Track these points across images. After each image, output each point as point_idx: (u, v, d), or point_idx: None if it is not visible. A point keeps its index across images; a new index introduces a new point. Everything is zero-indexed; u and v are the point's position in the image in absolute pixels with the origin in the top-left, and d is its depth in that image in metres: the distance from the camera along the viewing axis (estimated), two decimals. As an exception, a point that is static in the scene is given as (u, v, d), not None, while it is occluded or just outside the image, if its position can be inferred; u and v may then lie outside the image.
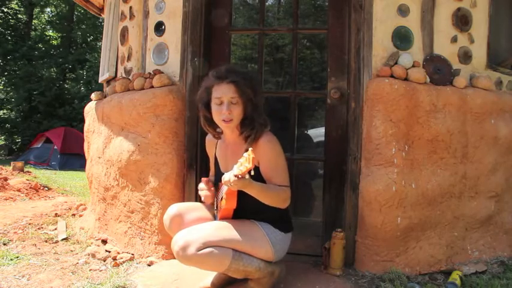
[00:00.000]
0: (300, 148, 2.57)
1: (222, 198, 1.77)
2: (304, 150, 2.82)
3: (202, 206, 1.97)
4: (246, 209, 1.77)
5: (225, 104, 1.71)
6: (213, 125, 1.86)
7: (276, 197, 1.73)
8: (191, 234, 1.64)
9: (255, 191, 1.64)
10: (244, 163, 1.49)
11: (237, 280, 1.87)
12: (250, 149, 1.49)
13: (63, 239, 2.76)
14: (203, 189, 1.86)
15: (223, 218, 1.80)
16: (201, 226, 1.72)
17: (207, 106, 1.81)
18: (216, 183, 1.94)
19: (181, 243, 1.61)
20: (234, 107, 1.72)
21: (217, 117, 1.76)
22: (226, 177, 1.58)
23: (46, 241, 2.73)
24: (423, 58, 2.30)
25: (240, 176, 1.50)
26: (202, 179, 1.92)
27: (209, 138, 2.01)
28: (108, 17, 3.27)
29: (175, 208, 1.89)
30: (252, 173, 1.49)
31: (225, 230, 1.70)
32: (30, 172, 6.73)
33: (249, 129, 1.75)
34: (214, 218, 1.92)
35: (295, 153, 2.41)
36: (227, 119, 1.73)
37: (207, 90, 1.78)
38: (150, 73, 2.52)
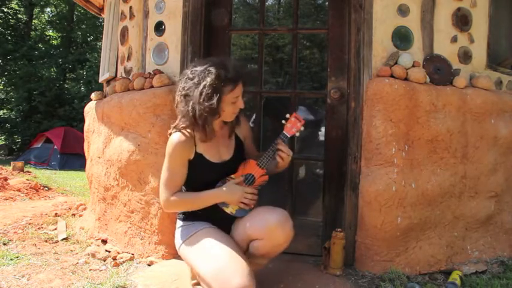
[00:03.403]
0: (303, 148, 2.57)
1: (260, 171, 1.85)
2: (312, 149, 2.81)
3: (227, 242, 1.81)
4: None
5: (239, 98, 1.79)
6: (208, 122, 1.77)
7: None
8: (284, 216, 1.78)
9: None
10: (295, 124, 1.81)
11: None
12: (287, 115, 1.83)
13: (63, 239, 2.76)
14: (253, 192, 1.82)
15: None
16: (275, 211, 1.80)
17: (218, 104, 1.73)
18: (209, 181, 1.81)
19: (290, 223, 1.79)
20: None
21: (231, 111, 1.80)
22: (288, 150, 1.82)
23: (46, 241, 2.73)
24: (423, 58, 2.30)
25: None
26: (240, 178, 1.82)
27: (182, 140, 1.77)
28: (108, 17, 3.27)
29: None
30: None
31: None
32: (30, 172, 6.72)
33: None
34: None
35: (295, 153, 2.40)
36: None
37: (222, 90, 1.73)
38: (150, 73, 2.53)
